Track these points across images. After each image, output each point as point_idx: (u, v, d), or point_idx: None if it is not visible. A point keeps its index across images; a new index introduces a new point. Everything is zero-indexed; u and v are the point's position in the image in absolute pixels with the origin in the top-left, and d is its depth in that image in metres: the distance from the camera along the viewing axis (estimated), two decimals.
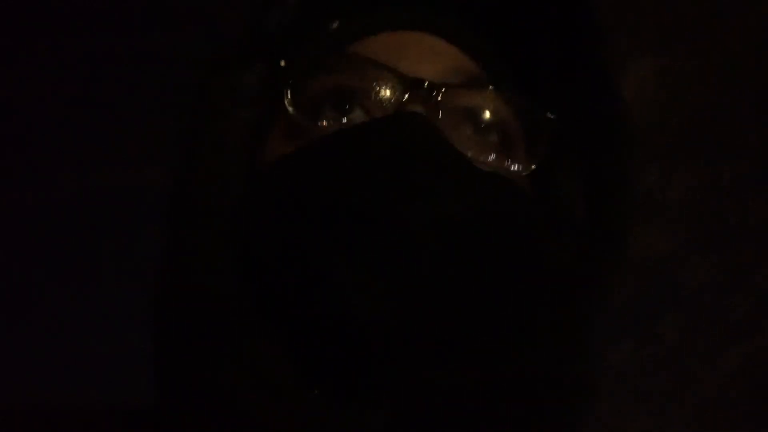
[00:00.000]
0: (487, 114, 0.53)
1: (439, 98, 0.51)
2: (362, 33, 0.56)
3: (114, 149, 1.33)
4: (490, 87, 0.54)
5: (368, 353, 0.46)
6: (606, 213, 0.55)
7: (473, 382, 0.47)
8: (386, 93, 0.51)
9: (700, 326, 1.44)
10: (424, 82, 0.51)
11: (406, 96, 0.51)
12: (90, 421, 0.50)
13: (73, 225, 1.32)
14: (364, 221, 0.47)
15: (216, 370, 0.46)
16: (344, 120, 0.52)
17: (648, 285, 1.38)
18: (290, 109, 0.53)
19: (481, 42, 0.57)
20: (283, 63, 0.54)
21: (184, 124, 0.54)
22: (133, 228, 1.14)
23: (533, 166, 0.54)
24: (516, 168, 0.53)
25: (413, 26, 0.56)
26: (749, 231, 1.40)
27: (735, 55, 1.33)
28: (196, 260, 0.49)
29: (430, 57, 0.54)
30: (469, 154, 0.51)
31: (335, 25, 0.58)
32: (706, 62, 1.32)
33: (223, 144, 0.53)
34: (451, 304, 0.47)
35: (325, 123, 0.52)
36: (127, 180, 1.30)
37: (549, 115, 0.54)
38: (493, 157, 0.53)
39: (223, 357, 0.47)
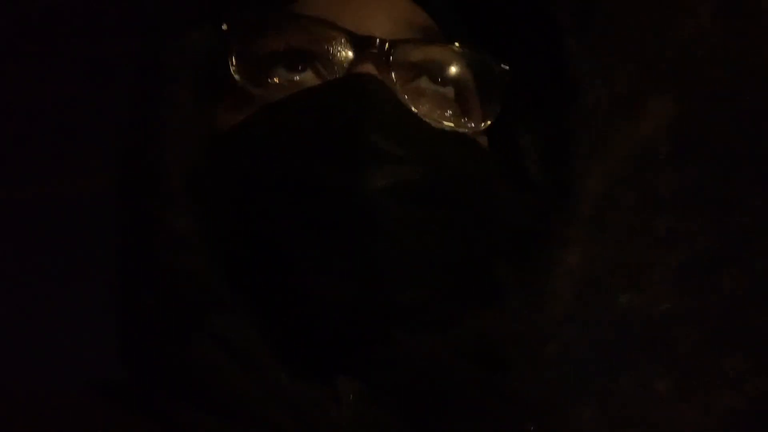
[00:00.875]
0: (442, 68, 0.52)
1: (391, 55, 0.50)
2: None
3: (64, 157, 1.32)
4: (444, 40, 0.53)
5: (332, 328, 0.46)
6: (559, 167, 0.55)
7: (440, 345, 0.48)
8: (336, 53, 0.50)
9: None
10: (375, 40, 0.49)
11: (357, 55, 0.49)
12: (64, 395, 0.49)
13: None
14: (319, 194, 0.46)
15: (185, 344, 0.46)
16: (296, 79, 0.50)
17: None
18: (236, 76, 0.50)
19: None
20: (225, 26, 0.51)
21: (133, 90, 0.51)
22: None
23: (489, 121, 0.54)
24: (472, 123, 0.53)
25: None
26: None
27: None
28: (161, 234, 0.48)
29: (382, 11, 0.52)
30: (425, 110, 0.51)
31: None
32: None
33: (175, 107, 0.50)
34: (412, 270, 0.47)
35: (273, 89, 0.50)
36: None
37: (503, 66, 0.54)
38: (449, 112, 0.52)
39: (193, 332, 0.46)
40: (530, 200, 0.54)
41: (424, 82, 0.52)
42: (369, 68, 0.49)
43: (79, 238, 1.26)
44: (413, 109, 0.50)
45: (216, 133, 0.51)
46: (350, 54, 0.50)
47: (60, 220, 1.33)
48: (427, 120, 0.50)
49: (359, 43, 0.50)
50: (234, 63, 0.51)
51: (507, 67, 0.54)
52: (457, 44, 0.53)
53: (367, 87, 0.48)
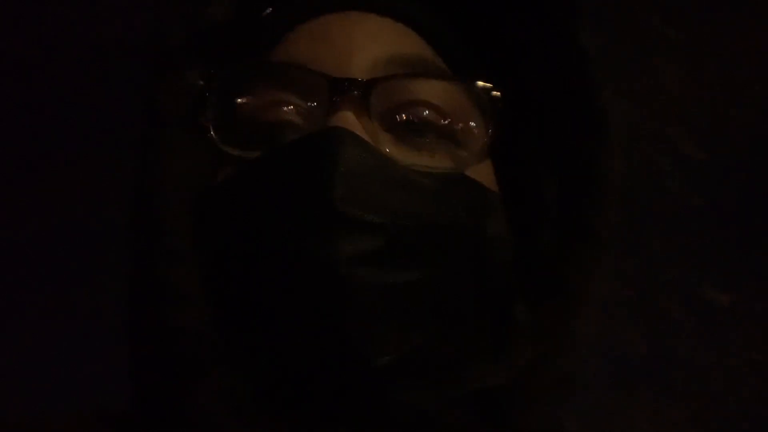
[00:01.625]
0: (427, 103, 0.50)
1: (371, 96, 0.48)
2: (295, 19, 0.52)
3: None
4: (433, 69, 0.51)
5: (318, 387, 0.45)
6: (579, 200, 0.52)
7: (436, 400, 0.46)
8: (313, 100, 0.48)
9: None
10: (353, 82, 0.47)
11: (334, 100, 0.47)
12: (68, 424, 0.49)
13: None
14: (289, 259, 0.44)
15: (185, 398, 0.45)
16: (273, 134, 0.48)
17: None
18: (214, 135, 0.49)
19: (429, 18, 0.53)
20: (201, 82, 0.50)
21: (139, 131, 0.50)
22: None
23: (482, 145, 0.51)
24: (464, 152, 0.50)
25: (352, 5, 0.52)
26: None
27: None
28: (161, 290, 0.46)
29: (363, 48, 0.50)
30: (406, 152, 0.49)
31: (268, 11, 0.54)
32: None
33: (172, 154, 0.49)
34: (387, 334, 0.45)
35: (250, 148, 0.48)
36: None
37: (494, 93, 0.51)
38: (436, 147, 0.50)
39: (193, 386, 0.45)
40: (543, 234, 0.52)
41: (408, 118, 0.49)
42: (346, 116, 0.47)
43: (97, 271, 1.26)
44: (392, 152, 0.48)
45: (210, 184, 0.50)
46: (327, 97, 0.48)
47: (78, 252, 1.33)
48: (410, 163, 0.48)
49: (336, 86, 0.48)
50: (212, 123, 0.49)
51: (498, 93, 0.51)
52: (445, 73, 0.52)
53: (338, 146, 0.45)
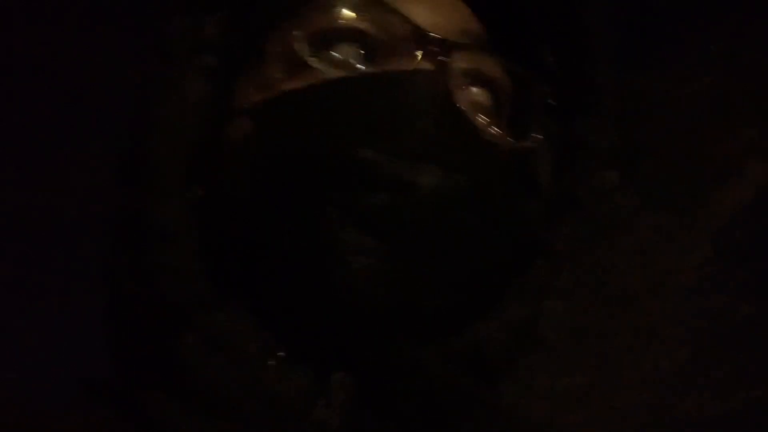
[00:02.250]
0: (490, 78, 0.52)
1: (450, 58, 0.49)
2: None
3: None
4: (494, 52, 0.53)
5: (323, 329, 0.46)
6: (572, 177, 0.53)
7: (438, 354, 0.47)
8: (399, 43, 0.49)
9: None
10: (438, 38, 0.49)
11: (420, 51, 0.49)
12: (46, 392, 0.49)
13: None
14: (365, 178, 0.45)
15: (170, 342, 0.45)
16: (352, 61, 0.50)
17: None
18: (296, 44, 0.49)
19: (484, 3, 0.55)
20: None
21: (141, 72, 0.51)
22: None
23: (516, 134, 0.53)
24: (504, 135, 0.52)
25: None
26: None
27: None
28: (149, 229, 0.47)
29: (444, 13, 0.52)
30: (470, 118, 0.50)
31: None
32: None
33: (181, 96, 0.49)
34: (430, 272, 0.46)
35: (330, 64, 0.49)
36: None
37: (544, 87, 0.54)
38: (489, 122, 0.52)
39: (178, 329, 0.45)
40: (539, 210, 0.53)
41: (472, 90, 0.52)
42: (428, 65, 0.49)
43: (67, 234, 1.24)
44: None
45: (234, 107, 0.50)
46: (413, 47, 0.49)
47: (46, 216, 1.31)
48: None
49: (424, 39, 0.49)
50: (296, 33, 0.49)
51: (547, 89, 0.54)
52: (503, 57, 0.53)
53: (429, 82, 0.48)
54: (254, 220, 0.47)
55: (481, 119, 0.52)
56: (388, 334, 0.45)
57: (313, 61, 0.49)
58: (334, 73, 0.49)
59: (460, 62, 0.50)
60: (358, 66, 0.50)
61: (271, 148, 0.48)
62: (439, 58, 0.49)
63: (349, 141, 0.46)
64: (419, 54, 0.49)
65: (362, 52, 0.50)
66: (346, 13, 0.50)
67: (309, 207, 0.46)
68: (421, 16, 0.50)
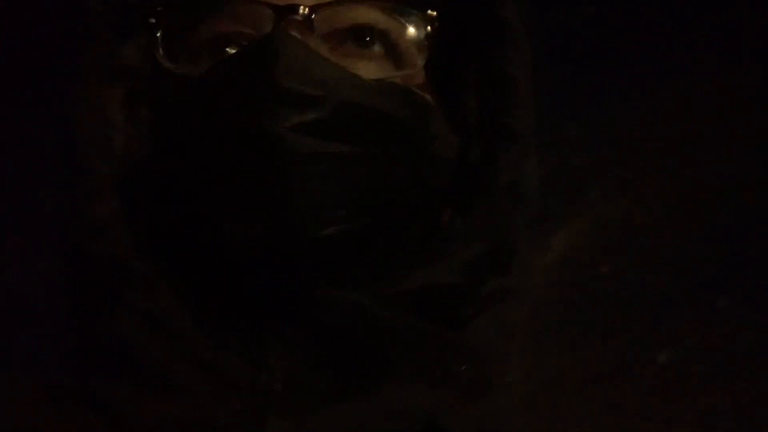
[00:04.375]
0: (368, 28, 0.52)
1: (314, 21, 0.50)
2: None
3: None
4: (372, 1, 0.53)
5: (252, 280, 0.47)
6: (496, 105, 0.54)
7: (368, 296, 0.48)
8: (262, 29, 0.50)
9: None
10: (297, 7, 0.49)
11: (281, 25, 0.49)
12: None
13: None
14: (231, 139, 0.47)
15: (107, 324, 0.48)
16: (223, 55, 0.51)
17: None
18: (165, 63, 0.52)
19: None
20: (152, 20, 0.52)
21: (67, 93, 0.53)
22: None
23: (419, 67, 0.53)
24: (404, 73, 0.53)
25: None
26: None
27: None
28: (83, 222, 0.50)
29: None
30: (360, 67, 0.51)
31: None
32: None
33: (99, 110, 0.52)
34: (324, 207, 0.47)
35: (201, 68, 0.51)
36: None
37: (430, 12, 0.53)
38: (380, 67, 0.52)
39: (112, 310, 0.48)
40: (472, 144, 0.54)
41: (350, 45, 0.52)
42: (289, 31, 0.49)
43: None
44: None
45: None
46: (274, 25, 0.50)
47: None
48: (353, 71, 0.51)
49: (281, 13, 0.50)
50: (161, 51, 0.52)
51: (434, 13, 0.54)
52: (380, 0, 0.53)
53: (277, 38, 0.48)
54: (162, 203, 0.50)
55: (365, 68, 0.52)
56: (318, 280, 0.47)
57: (183, 71, 0.52)
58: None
59: (328, 23, 0.51)
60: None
61: (156, 145, 0.52)
62: (302, 25, 0.50)
63: (216, 112, 0.49)
64: (284, 26, 0.49)
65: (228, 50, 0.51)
66: (203, 24, 0.52)
67: (195, 182, 0.49)
68: None
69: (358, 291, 0.47)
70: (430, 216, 0.52)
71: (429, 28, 0.53)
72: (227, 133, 0.48)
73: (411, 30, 0.53)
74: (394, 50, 0.53)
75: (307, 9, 0.50)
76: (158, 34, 0.52)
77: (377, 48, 0.53)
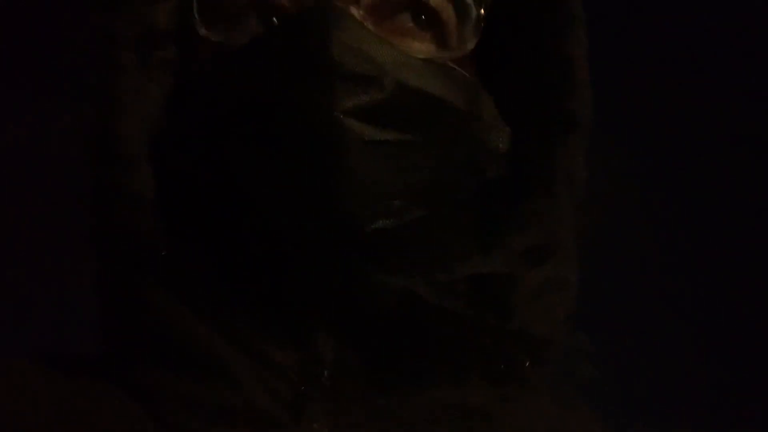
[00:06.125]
0: (421, 5, 0.50)
1: None
2: None
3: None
4: None
5: (300, 267, 0.45)
6: (554, 89, 0.53)
7: (422, 284, 0.46)
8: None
9: None
10: None
11: None
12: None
13: None
14: (284, 120, 0.45)
15: (152, 304, 0.46)
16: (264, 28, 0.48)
17: None
18: (201, 29, 0.49)
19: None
20: None
21: (91, 60, 0.51)
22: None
23: (468, 50, 0.51)
24: (453, 55, 0.50)
25: None
26: None
27: None
28: (118, 197, 0.48)
29: None
30: (406, 45, 0.49)
31: None
32: None
33: (129, 76, 0.49)
34: (380, 194, 0.45)
35: (241, 37, 0.48)
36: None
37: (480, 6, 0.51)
38: (428, 47, 0.50)
39: (160, 291, 0.46)
40: (524, 133, 0.52)
41: (397, 21, 0.50)
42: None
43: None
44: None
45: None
46: None
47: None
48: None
49: None
50: (197, 15, 0.49)
51: (483, 11, 0.51)
52: None
53: (330, 14, 0.46)
54: (204, 184, 0.48)
55: (412, 44, 0.50)
56: (372, 267, 0.45)
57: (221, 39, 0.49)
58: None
59: None
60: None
61: (196, 121, 0.49)
62: None
63: (264, 88, 0.46)
64: None
65: (270, 18, 0.49)
66: None
67: (242, 164, 0.46)
68: None
69: (412, 278, 0.46)
70: (484, 205, 0.51)
71: (482, 10, 0.51)
72: (276, 113, 0.45)
73: (464, 10, 0.51)
74: (443, 30, 0.51)
75: None
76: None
77: (426, 26, 0.50)
